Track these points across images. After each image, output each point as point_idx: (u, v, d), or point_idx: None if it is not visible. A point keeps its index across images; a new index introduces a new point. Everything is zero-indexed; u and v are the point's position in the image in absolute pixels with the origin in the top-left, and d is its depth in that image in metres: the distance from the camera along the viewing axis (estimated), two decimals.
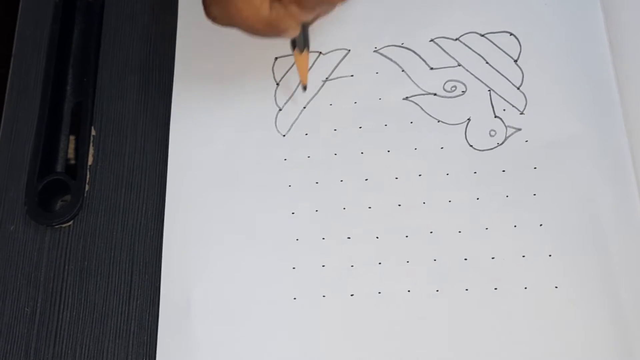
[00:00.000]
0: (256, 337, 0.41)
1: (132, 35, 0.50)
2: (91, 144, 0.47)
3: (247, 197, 0.44)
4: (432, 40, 0.45)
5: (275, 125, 0.45)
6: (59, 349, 0.43)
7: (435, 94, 0.44)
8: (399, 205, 0.42)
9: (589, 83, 0.43)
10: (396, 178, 0.43)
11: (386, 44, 0.46)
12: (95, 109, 0.48)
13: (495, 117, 0.43)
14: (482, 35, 0.45)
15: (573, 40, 0.44)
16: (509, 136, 0.43)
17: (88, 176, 0.47)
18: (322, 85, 0.46)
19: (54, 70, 0.49)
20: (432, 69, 0.45)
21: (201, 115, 0.46)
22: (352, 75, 0.45)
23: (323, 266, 0.42)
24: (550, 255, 0.40)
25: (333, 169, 0.43)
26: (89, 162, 0.47)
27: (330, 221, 0.42)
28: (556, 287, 0.39)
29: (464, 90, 0.44)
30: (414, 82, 0.44)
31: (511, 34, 0.44)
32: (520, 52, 0.44)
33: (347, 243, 0.42)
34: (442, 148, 0.43)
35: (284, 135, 0.45)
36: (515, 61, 0.44)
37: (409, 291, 0.40)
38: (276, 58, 0.47)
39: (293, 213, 0.43)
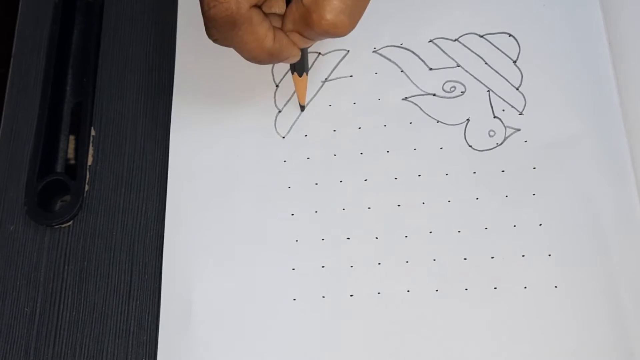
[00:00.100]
0: (256, 337, 0.41)
1: (132, 36, 0.50)
2: (91, 144, 0.47)
3: (247, 198, 0.44)
4: (431, 41, 0.45)
5: (275, 127, 0.45)
6: (59, 349, 0.43)
7: (434, 95, 0.44)
8: (399, 205, 0.42)
9: (588, 83, 0.43)
10: (395, 178, 0.43)
11: (385, 45, 0.46)
12: (95, 109, 0.48)
13: (495, 117, 0.43)
14: (481, 36, 0.45)
15: (572, 41, 0.44)
16: (508, 136, 0.43)
17: (88, 176, 0.47)
18: (322, 86, 0.46)
19: (54, 70, 0.49)
20: (431, 69, 0.45)
21: (201, 116, 0.46)
22: (351, 76, 0.46)
23: (323, 267, 0.42)
24: (549, 255, 0.40)
25: (332, 170, 0.44)
26: (89, 162, 0.47)
27: (329, 222, 0.42)
28: (555, 287, 0.39)
29: (463, 90, 0.44)
30: (413, 83, 0.45)
31: (510, 35, 0.44)
32: (519, 52, 0.44)
33: (347, 243, 0.42)
34: (441, 148, 0.43)
35: (284, 137, 0.45)
36: (514, 62, 0.44)
37: (408, 291, 0.40)
38: None
39: (293, 214, 0.43)
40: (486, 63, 0.44)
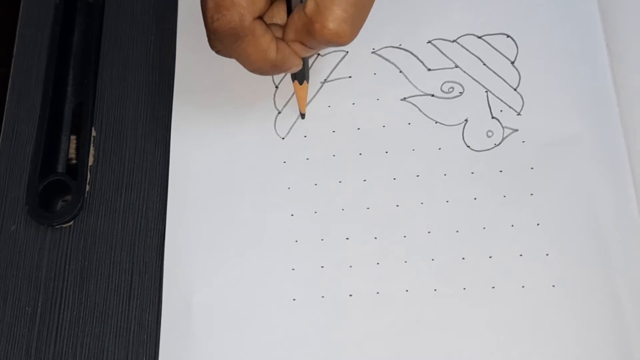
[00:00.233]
0: (256, 337, 0.41)
1: (132, 36, 0.50)
2: (92, 145, 0.47)
3: (247, 199, 0.44)
4: (429, 42, 0.45)
5: (275, 128, 0.45)
6: (60, 349, 0.43)
7: (432, 95, 0.44)
8: (397, 205, 0.42)
9: (586, 84, 0.43)
10: (394, 179, 0.43)
11: (384, 45, 0.46)
12: (96, 110, 0.48)
13: (493, 118, 0.43)
14: (479, 37, 0.45)
15: (570, 42, 0.44)
16: (506, 137, 0.43)
17: (89, 176, 0.47)
18: (321, 87, 0.46)
19: (55, 71, 0.49)
20: (429, 70, 0.45)
21: (202, 117, 0.46)
22: (350, 77, 0.46)
23: (322, 267, 0.42)
24: (547, 255, 0.40)
25: (331, 171, 0.44)
26: (90, 163, 0.47)
27: (329, 222, 0.43)
28: (553, 286, 0.39)
29: (462, 91, 0.44)
30: (412, 83, 0.45)
31: (508, 36, 0.45)
32: (517, 53, 0.44)
33: (346, 244, 0.42)
34: (439, 149, 0.43)
35: (283, 138, 0.45)
36: (512, 63, 0.44)
37: (407, 291, 0.41)
38: None
39: (292, 214, 0.43)
40: (484, 64, 0.44)
